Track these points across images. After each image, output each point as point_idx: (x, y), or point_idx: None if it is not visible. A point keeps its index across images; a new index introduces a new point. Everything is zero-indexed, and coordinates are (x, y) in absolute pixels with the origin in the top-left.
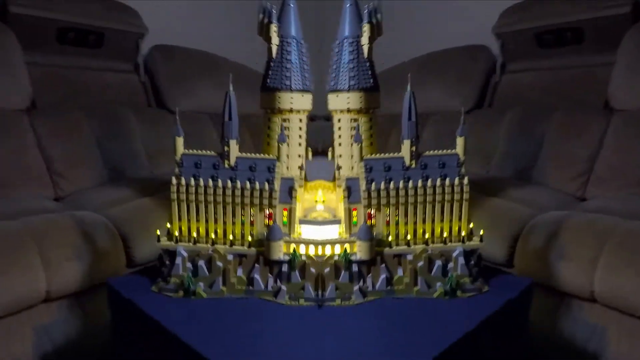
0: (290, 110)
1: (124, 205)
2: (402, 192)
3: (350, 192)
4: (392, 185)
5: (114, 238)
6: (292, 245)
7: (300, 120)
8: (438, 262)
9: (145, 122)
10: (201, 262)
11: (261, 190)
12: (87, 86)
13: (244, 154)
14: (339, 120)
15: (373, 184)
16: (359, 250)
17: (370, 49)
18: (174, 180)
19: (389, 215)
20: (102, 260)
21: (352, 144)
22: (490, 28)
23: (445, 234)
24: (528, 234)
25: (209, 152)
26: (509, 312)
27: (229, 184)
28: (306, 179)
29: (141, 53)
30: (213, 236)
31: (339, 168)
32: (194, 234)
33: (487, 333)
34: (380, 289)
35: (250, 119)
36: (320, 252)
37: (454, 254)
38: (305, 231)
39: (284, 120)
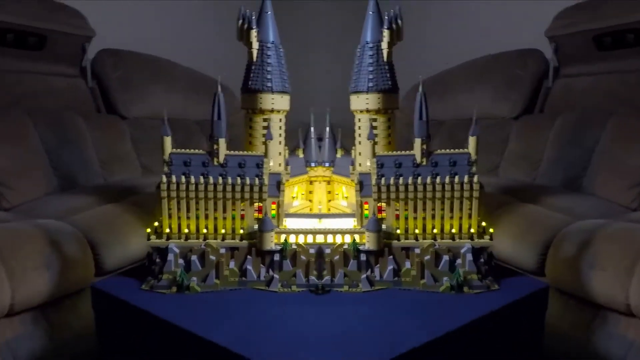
0: (272, 111)
1: (89, 212)
2: (411, 188)
3: (362, 186)
4: (401, 180)
5: (82, 246)
6: (283, 235)
7: (280, 120)
8: (445, 257)
9: (96, 128)
10: (194, 257)
11: (251, 186)
12: (31, 91)
13: (232, 152)
14: (359, 120)
15: (383, 179)
16: (368, 241)
17: (390, 53)
18: (163, 179)
19: (399, 209)
20: (70, 269)
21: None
22: (543, 31)
23: (454, 230)
24: (560, 242)
25: (197, 150)
26: (515, 313)
27: (220, 180)
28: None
29: (88, 57)
30: (205, 231)
31: (356, 164)
32: (185, 230)
33: (489, 330)
34: (387, 280)
35: (205, 124)
36: (324, 241)
37: (462, 250)
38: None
39: (265, 120)
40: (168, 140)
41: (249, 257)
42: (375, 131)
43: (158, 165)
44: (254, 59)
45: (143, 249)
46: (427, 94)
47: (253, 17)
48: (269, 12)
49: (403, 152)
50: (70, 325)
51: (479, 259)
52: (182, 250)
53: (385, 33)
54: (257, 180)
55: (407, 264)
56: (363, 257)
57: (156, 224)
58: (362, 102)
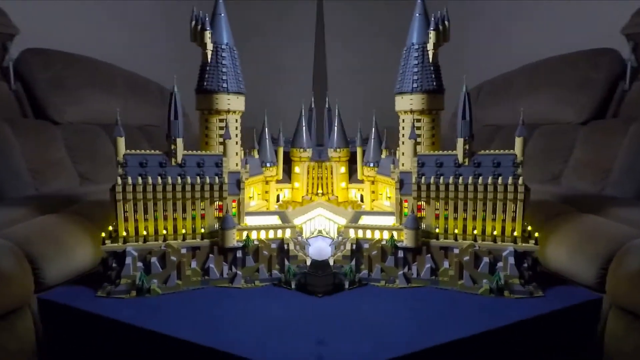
0: (228, 111)
1: (24, 224)
2: (452, 188)
3: (402, 185)
4: (442, 180)
5: (19, 260)
6: (245, 232)
7: (236, 121)
8: (485, 259)
9: (23, 135)
10: (153, 259)
11: (211, 185)
12: None
13: (190, 152)
14: (403, 121)
15: (423, 178)
16: (406, 238)
17: (435, 54)
18: (118, 180)
19: (439, 209)
20: (5, 286)
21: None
22: (619, 29)
23: (495, 233)
24: (624, 256)
25: (154, 151)
26: (559, 322)
27: (179, 180)
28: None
29: (11, 57)
30: (164, 232)
31: (399, 164)
32: (144, 233)
33: (527, 337)
34: (424, 278)
35: (146, 129)
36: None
37: (504, 253)
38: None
39: (221, 120)
40: (121, 141)
41: (211, 255)
42: (418, 131)
43: (97, 172)
44: (209, 60)
45: (89, 259)
46: (485, 96)
47: (207, 19)
48: (222, 14)
49: (445, 152)
50: (5, 348)
51: (523, 264)
52: (140, 253)
53: (431, 34)
54: (217, 179)
55: (445, 264)
56: (400, 253)
57: (110, 228)
58: (406, 103)
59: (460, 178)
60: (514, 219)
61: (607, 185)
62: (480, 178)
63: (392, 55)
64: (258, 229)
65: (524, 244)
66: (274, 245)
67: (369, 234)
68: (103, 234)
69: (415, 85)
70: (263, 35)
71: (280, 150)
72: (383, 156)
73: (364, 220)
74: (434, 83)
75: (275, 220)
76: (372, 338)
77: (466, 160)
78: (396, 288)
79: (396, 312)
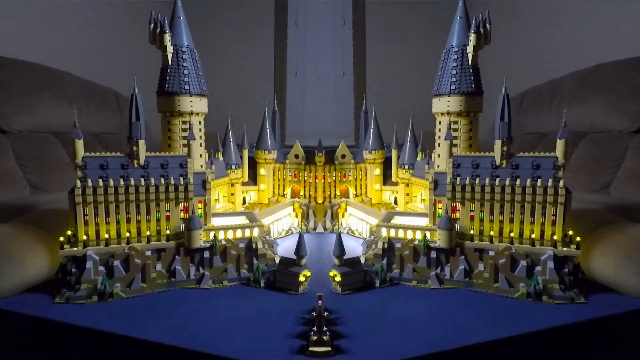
0: (190, 113)
1: None
2: (488, 189)
3: (437, 185)
4: (478, 181)
5: None
6: (212, 232)
7: (200, 122)
8: (523, 263)
9: None
10: (116, 263)
11: (176, 186)
12: None
13: (154, 153)
14: (440, 122)
15: (459, 179)
16: (439, 238)
17: (475, 57)
18: (77, 184)
19: (474, 210)
20: None
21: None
22: None
23: (534, 236)
24: None
25: (114, 153)
26: (602, 331)
27: (142, 182)
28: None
29: None
30: (127, 235)
31: (435, 165)
32: (105, 236)
33: (567, 343)
34: (457, 280)
35: (102, 137)
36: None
37: (543, 257)
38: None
39: (184, 122)
40: (80, 144)
41: (177, 257)
42: (455, 134)
43: (48, 181)
44: (169, 62)
45: (44, 268)
46: (529, 104)
47: (166, 22)
48: (182, 17)
49: (482, 153)
50: None
51: (563, 269)
52: (102, 257)
53: (472, 37)
54: (182, 180)
55: (480, 266)
56: (433, 254)
57: (70, 232)
58: (444, 105)
59: (497, 179)
60: (553, 223)
61: None
62: (519, 180)
63: (431, 59)
64: (226, 229)
65: (564, 249)
66: (242, 245)
67: (401, 234)
68: (62, 239)
69: (453, 87)
70: (224, 38)
71: (245, 153)
72: (418, 159)
73: (397, 220)
74: (473, 85)
75: (242, 220)
76: (402, 335)
77: (504, 162)
78: (428, 288)
79: (428, 312)
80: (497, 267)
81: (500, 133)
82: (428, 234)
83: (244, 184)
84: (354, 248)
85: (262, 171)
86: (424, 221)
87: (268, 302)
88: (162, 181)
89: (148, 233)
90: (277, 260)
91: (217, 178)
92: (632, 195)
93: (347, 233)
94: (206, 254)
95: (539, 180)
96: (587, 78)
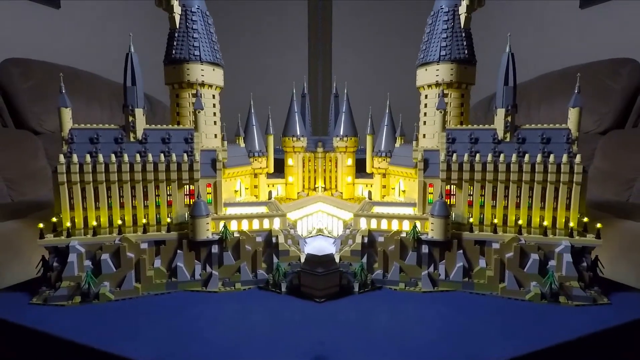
0: (202, 84)
1: None
2: (489, 168)
3: (427, 165)
4: (478, 158)
5: None
6: (222, 222)
7: (214, 97)
8: (534, 256)
9: (1, 144)
10: (105, 256)
11: (179, 164)
12: None
13: (154, 125)
14: (426, 97)
15: (454, 156)
16: (432, 229)
17: (468, 19)
18: (61, 159)
19: (472, 194)
20: None
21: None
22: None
23: (545, 223)
24: None
25: (108, 125)
26: (629, 336)
27: (138, 158)
28: (224, 166)
29: None
30: (120, 223)
31: (422, 135)
32: (93, 224)
33: (589, 354)
34: (455, 280)
35: None
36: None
37: (558, 249)
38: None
39: (195, 95)
40: (67, 113)
41: (179, 252)
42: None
43: None
44: (177, 25)
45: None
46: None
47: None
48: None
49: (481, 126)
50: None
51: (581, 263)
52: (88, 248)
53: None
54: (186, 157)
55: (482, 262)
56: (425, 249)
57: (54, 219)
58: (431, 75)
59: (501, 156)
60: (568, 207)
61: (632, 196)
62: (527, 156)
63: (408, 34)
64: (239, 218)
65: (581, 238)
66: (259, 239)
67: (384, 225)
68: (41, 225)
69: (443, 53)
70: (251, 10)
71: (271, 139)
72: (397, 145)
73: (377, 210)
74: (465, 51)
75: (262, 210)
76: (389, 356)
77: (508, 135)
78: (419, 292)
79: (419, 324)
80: (503, 263)
81: (504, 100)
82: (418, 224)
83: (269, 176)
84: (324, 249)
85: (289, 161)
86: (409, 211)
87: (290, 312)
88: (163, 158)
89: (145, 221)
90: (303, 259)
91: (237, 166)
92: (604, 193)
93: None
94: (214, 249)
95: (551, 156)
96: (556, 80)
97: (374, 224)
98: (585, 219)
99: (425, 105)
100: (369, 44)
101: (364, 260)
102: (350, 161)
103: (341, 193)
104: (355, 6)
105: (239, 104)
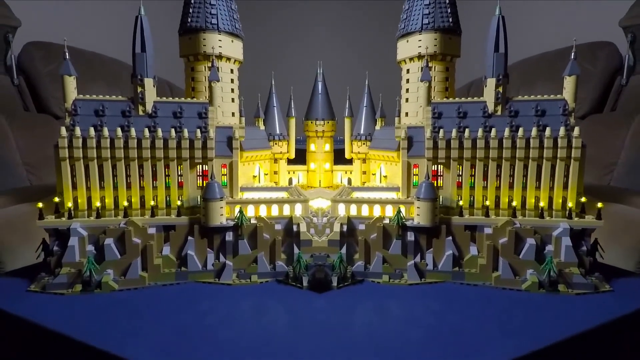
0: (220, 57)
1: None
2: (480, 144)
3: (411, 144)
4: (467, 134)
5: None
6: (238, 207)
7: (232, 71)
8: (530, 241)
9: (21, 128)
10: (109, 241)
11: (191, 141)
12: None
13: (165, 98)
14: (408, 71)
15: (441, 131)
16: (418, 214)
17: None
18: (62, 132)
19: (462, 174)
20: None
21: (419, 88)
22: (617, 22)
23: (542, 204)
24: None
25: (115, 96)
26: (635, 326)
27: (146, 133)
28: (241, 149)
29: (13, 51)
30: (126, 204)
31: (404, 113)
32: (97, 204)
33: (593, 348)
34: (444, 270)
35: None
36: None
37: (555, 233)
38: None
39: (211, 69)
40: (71, 82)
41: (190, 238)
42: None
43: None
44: None
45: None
46: (476, 93)
47: None
48: None
49: (469, 99)
50: None
51: (580, 247)
52: (91, 232)
53: None
54: (199, 133)
55: (473, 250)
56: (410, 236)
57: (56, 199)
58: (413, 46)
59: (493, 131)
60: (565, 187)
61: (612, 179)
62: (521, 130)
63: (386, 5)
64: (256, 203)
65: (580, 220)
66: (278, 226)
67: (365, 211)
68: (40, 205)
69: (426, 21)
70: None
71: (292, 122)
72: (377, 127)
73: (358, 196)
74: (450, 20)
75: (282, 195)
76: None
77: (499, 108)
78: (405, 285)
79: (405, 322)
80: (497, 250)
81: (494, 68)
82: (402, 209)
83: (290, 161)
84: None
85: (312, 146)
86: (392, 196)
87: (312, 310)
88: (174, 134)
89: (153, 204)
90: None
91: (257, 149)
92: (590, 178)
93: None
94: (229, 236)
95: (547, 130)
96: (533, 66)
97: (353, 210)
98: (583, 199)
99: (407, 81)
100: (344, 20)
101: (343, 251)
102: (327, 146)
103: (319, 181)
104: None
105: (260, 83)
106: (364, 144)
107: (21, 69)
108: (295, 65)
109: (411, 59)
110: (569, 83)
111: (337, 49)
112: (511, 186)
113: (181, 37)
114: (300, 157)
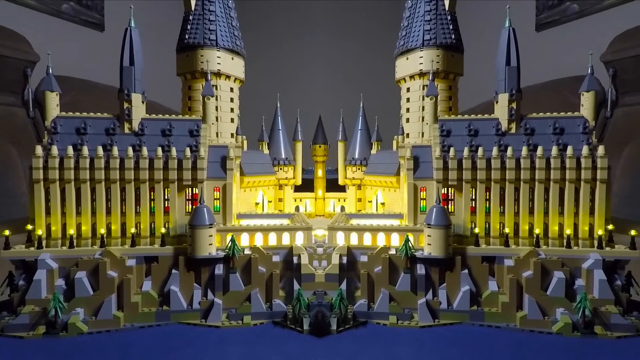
0: (219, 74)
1: None
2: (495, 164)
3: (418, 165)
4: (480, 153)
5: None
6: (230, 235)
7: (232, 90)
8: (558, 275)
9: (31, 158)
10: (80, 275)
11: (180, 161)
12: None
13: (154, 115)
14: (408, 90)
15: (452, 151)
16: (428, 243)
17: (453, 2)
18: (38, 151)
19: (475, 197)
20: None
21: (422, 107)
22: (599, 56)
23: (568, 232)
24: None
25: (101, 113)
26: None
27: (130, 152)
28: (242, 173)
29: (30, 85)
30: (103, 232)
31: (405, 134)
32: (71, 232)
33: None
34: (460, 309)
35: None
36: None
37: (586, 265)
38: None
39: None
40: (52, 98)
41: (174, 271)
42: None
43: None
44: (192, 7)
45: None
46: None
47: None
48: None
49: (480, 116)
50: None
51: (614, 281)
52: (63, 264)
53: None
54: (188, 152)
55: (492, 285)
56: (421, 269)
57: (29, 226)
58: (414, 64)
59: (509, 150)
60: (592, 211)
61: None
62: (540, 149)
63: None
64: (251, 230)
65: (612, 249)
66: (276, 258)
67: (367, 239)
68: (7, 232)
69: (427, 37)
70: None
71: (299, 146)
72: (373, 151)
73: (356, 223)
74: (452, 36)
75: (281, 222)
76: None
77: (513, 125)
78: (416, 328)
79: None
80: (520, 285)
81: (506, 83)
82: (411, 237)
83: (296, 188)
84: None
85: (319, 172)
86: (396, 223)
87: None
88: (160, 153)
89: (134, 231)
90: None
91: (260, 174)
92: None
93: None
94: (219, 269)
95: (569, 149)
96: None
97: (354, 239)
98: (611, 226)
99: (408, 100)
100: (338, 38)
101: (343, 287)
102: (320, 172)
103: (311, 209)
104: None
105: (264, 106)
106: (358, 169)
107: (37, 102)
108: (301, 87)
109: (412, 76)
110: (587, 100)
111: (330, 71)
112: (531, 211)
113: (178, 54)
114: (308, 184)
